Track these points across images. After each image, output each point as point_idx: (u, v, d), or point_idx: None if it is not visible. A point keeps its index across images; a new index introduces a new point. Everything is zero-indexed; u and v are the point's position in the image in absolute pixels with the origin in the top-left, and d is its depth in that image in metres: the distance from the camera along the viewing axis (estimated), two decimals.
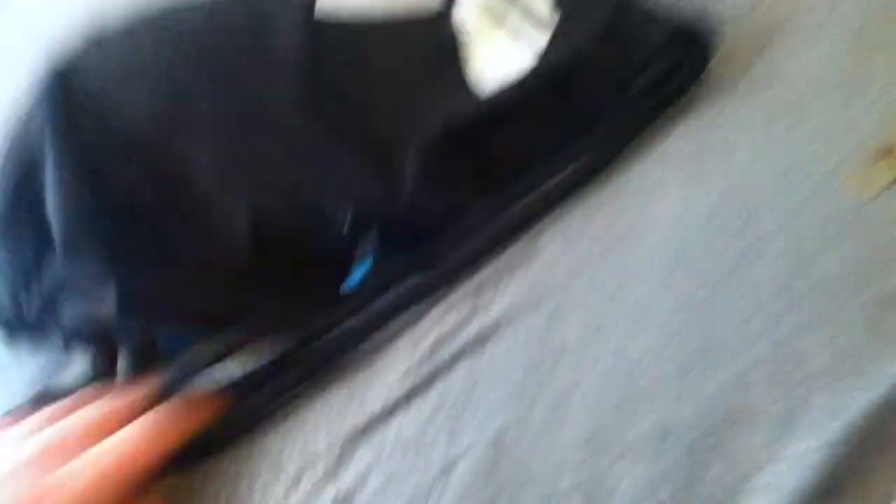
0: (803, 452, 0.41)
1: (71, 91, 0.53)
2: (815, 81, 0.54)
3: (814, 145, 0.51)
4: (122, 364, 0.51)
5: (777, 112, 0.53)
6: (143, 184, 0.52)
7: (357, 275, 0.52)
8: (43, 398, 0.50)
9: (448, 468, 0.44)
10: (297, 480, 0.46)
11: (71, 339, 0.52)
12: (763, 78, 0.54)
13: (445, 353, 0.49)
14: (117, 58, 0.56)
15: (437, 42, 0.57)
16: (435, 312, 0.51)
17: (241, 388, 0.49)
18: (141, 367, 0.50)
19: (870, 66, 0.54)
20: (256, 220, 0.51)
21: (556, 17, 0.56)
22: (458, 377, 0.48)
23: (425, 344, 0.49)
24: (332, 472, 0.46)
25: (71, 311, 0.51)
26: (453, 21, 0.58)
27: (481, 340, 0.49)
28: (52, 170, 0.51)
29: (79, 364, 0.55)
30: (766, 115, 0.53)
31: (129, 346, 0.51)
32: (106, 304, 0.50)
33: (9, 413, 0.49)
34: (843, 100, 0.52)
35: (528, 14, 0.57)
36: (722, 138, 0.53)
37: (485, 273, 0.52)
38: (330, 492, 0.45)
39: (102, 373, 0.52)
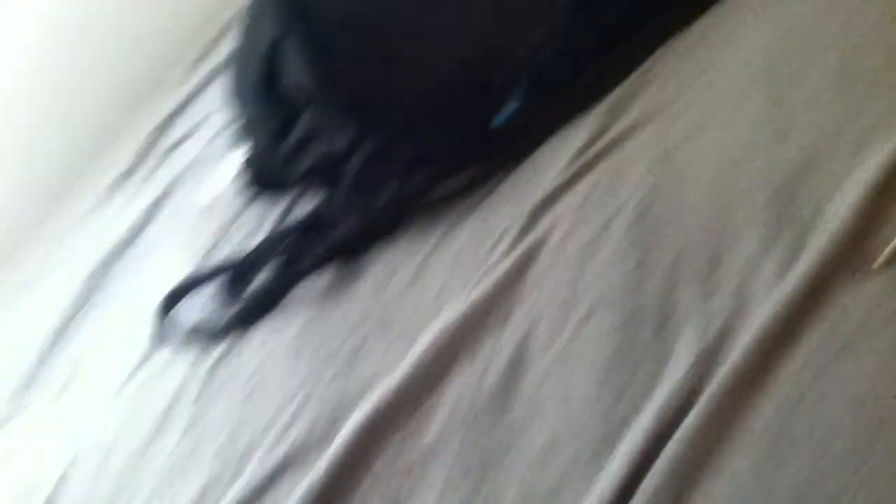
0: None
1: None
2: None
3: None
4: (343, 184, 0.67)
5: None
6: (360, 51, 0.69)
7: (505, 115, 0.68)
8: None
9: (609, 220, 0.59)
10: (499, 239, 0.62)
11: (308, 177, 0.69)
12: None
13: (590, 152, 0.65)
14: None
15: None
16: (575, 131, 0.67)
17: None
18: (359, 189, 0.67)
19: None
20: (447, 74, 0.67)
21: None
22: (603, 165, 0.64)
23: (573, 147, 0.66)
24: (524, 231, 0.62)
25: (312, 153, 0.68)
26: None
27: (615, 143, 0.65)
28: (295, 49, 0.68)
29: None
30: None
31: (352, 171, 0.67)
32: (340, 141, 0.67)
33: None
34: None
35: None
36: None
37: (611, 99, 0.68)
38: (525, 243, 0.61)
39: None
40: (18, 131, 1.39)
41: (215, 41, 1.28)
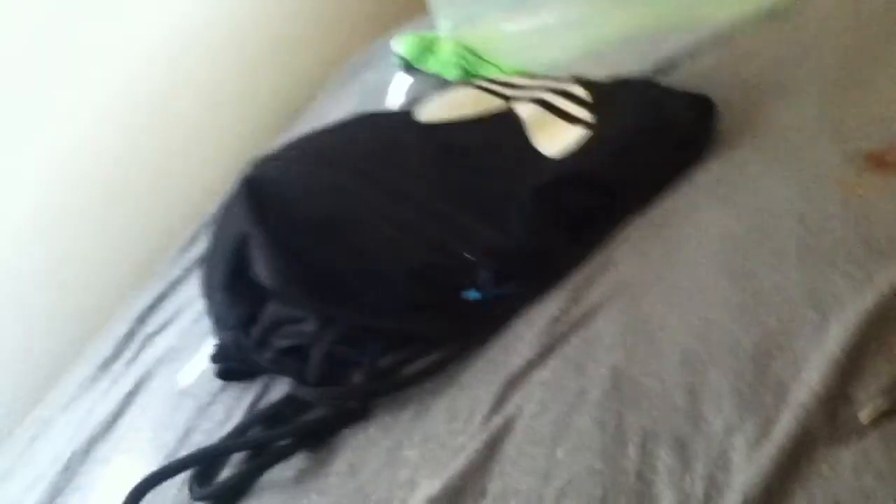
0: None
1: (260, 193, 0.76)
2: (801, 127, 0.75)
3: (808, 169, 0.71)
4: (311, 371, 0.68)
5: (777, 152, 0.74)
6: (325, 252, 0.73)
7: (472, 294, 0.70)
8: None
9: (582, 393, 0.59)
10: (470, 416, 0.61)
11: (278, 362, 0.70)
12: (761, 128, 0.77)
13: (559, 329, 0.66)
14: (286, 170, 0.80)
15: (509, 129, 0.81)
16: (544, 307, 0.69)
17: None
18: (324, 373, 0.67)
19: (846, 105, 0.75)
20: (412, 269, 0.70)
21: (597, 102, 0.80)
22: (574, 340, 0.64)
23: (542, 324, 0.67)
24: (496, 408, 0.61)
25: (281, 339, 0.69)
26: (516, 114, 0.83)
27: (584, 318, 0.66)
28: (258, 249, 0.72)
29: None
30: (769, 155, 0.74)
31: (318, 360, 0.68)
32: (307, 328, 0.68)
33: None
34: (824, 137, 0.73)
35: (574, 99, 0.81)
36: (736, 173, 0.74)
37: (575, 279, 0.70)
38: (497, 419, 0.60)
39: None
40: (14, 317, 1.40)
41: (200, 231, 1.33)
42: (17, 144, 1.42)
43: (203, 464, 0.71)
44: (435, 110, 0.91)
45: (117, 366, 1.08)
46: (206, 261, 0.85)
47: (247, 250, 0.73)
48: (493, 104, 0.89)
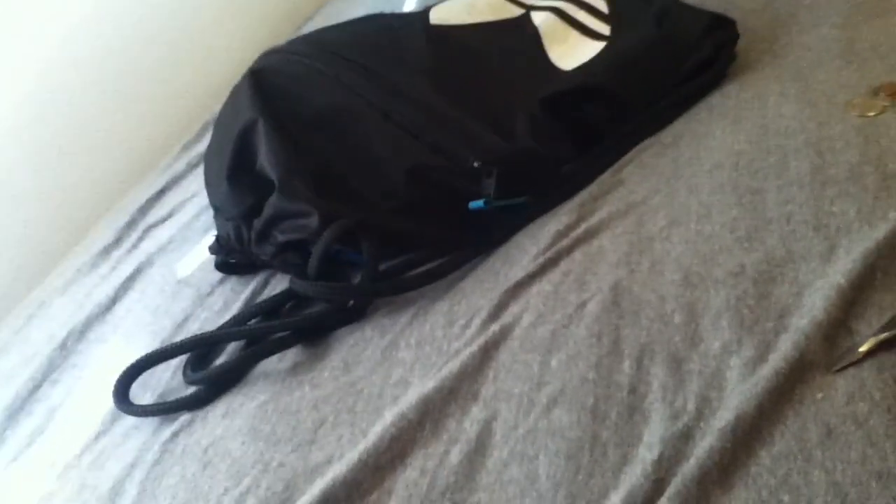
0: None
1: (266, 84, 0.74)
2: (820, 50, 0.74)
3: (824, 92, 0.69)
4: (311, 266, 0.67)
5: (795, 75, 0.72)
6: (327, 147, 0.71)
7: (478, 203, 0.69)
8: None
9: (581, 306, 0.59)
10: (468, 323, 0.61)
11: (278, 256, 0.69)
12: (780, 51, 0.75)
13: (563, 243, 0.65)
14: (291, 63, 0.78)
15: (523, 37, 0.79)
16: (550, 222, 0.68)
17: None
18: (323, 271, 0.67)
19: (868, 31, 0.73)
20: (412, 169, 0.69)
21: (615, 14, 0.77)
22: (577, 255, 0.64)
23: (546, 238, 0.66)
24: (494, 315, 0.61)
25: (283, 233, 0.69)
26: (532, 22, 0.80)
27: (589, 235, 0.66)
28: (263, 136, 0.70)
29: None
30: (786, 78, 0.72)
31: (319, 254, 0.67)
32: (309, 223, 0.67)
33: None
34: (842, 62, 0.72)
35: (592, 11, 0.79)
36: (752, 95, 0.72)
37: (583, 196, 0.69)
38: (494, 326, 0.60)
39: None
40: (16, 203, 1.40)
41: (206, 127, 1.32)
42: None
43: (199, 349, 0.71)
44: (449, 14, 0.88)
45: (117, 253, 1.08)
46: (210, 151, 0.84)
47: (252, 139, 0.72)
48: (511, 11, 0.86)
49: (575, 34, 0.80)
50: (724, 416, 0.47)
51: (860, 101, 0.67)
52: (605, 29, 0.79)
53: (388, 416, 0.56)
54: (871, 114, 0.66)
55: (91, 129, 1.48)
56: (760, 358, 0.50)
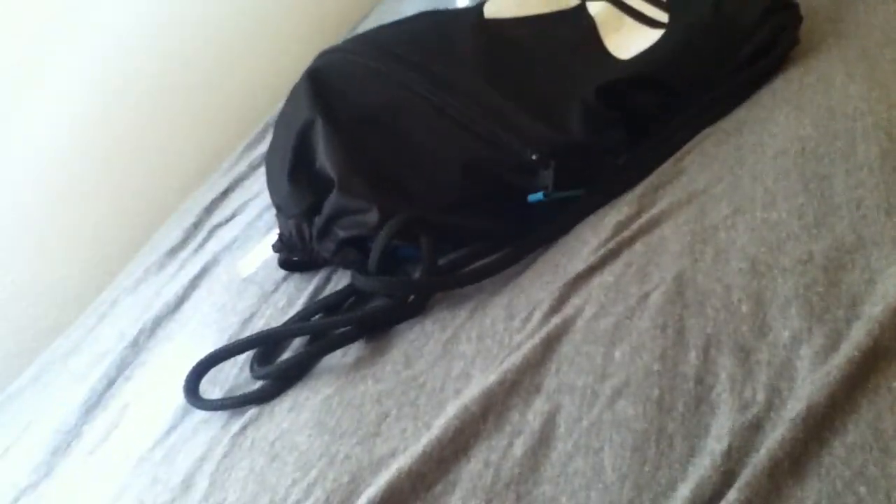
0: None
1: (322, 83, 0.75)
2: (888, 29, 0.71)
3: (894, 72, 0.67)
4: (372, 261, 0.68)
5: (861, 57, 0.70)
6: (383, 144, 0.72)
7: (537, 195, 0.69)
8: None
9: (644, 297, 0.58)
10: (528, 316, 0.61)
11: (339, 252, 0.70)
12: (845, 32, 0.72)
13: (624, 234, 0.65)
14: (347, 62, 0.79)
15: (578, 27, 0.78)
16: (610, 213, 0.67)
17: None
18: (383, 267, 0.67)
19: None
20: (468, 163, 0.69)
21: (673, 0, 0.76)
22: (639, 246, 0.63)
23: (607, 230, 0.65)
24: (555, 308, 0.61)
25: (343, 230, 0.70)
26: (588, 12, 0.80)
27: (651, 225, 0.65)
28: (321, 135, 0.72)
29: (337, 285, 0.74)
30: (852, 60, 0.70)
31: (379, 249, 0.68)
32: (369, 219, 0.68)
33: None
34: None
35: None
36: (816, 78, 0.70)
37: (643, 186, 0.68)
38: (556, 319, 0.60)
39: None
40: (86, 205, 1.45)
41: (267, 128, 1.34)
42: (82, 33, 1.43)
43: (265, 345, 0.73)
44: (503, 7, 0.88)
45: (184, 253, 1.12)
46: (271, 151, 0.86)
47: (311, 138, 0.73)
48: (567, 2, 0.86)
49: (632, 23, 0.79)
50: (794, 407, 0.45)
51: None
52: (662, 16, 0.78)
53: (451, 409, 0.56)
54: None
55: (157, 133, 1.53)
56: (832, 347, 0.48)
